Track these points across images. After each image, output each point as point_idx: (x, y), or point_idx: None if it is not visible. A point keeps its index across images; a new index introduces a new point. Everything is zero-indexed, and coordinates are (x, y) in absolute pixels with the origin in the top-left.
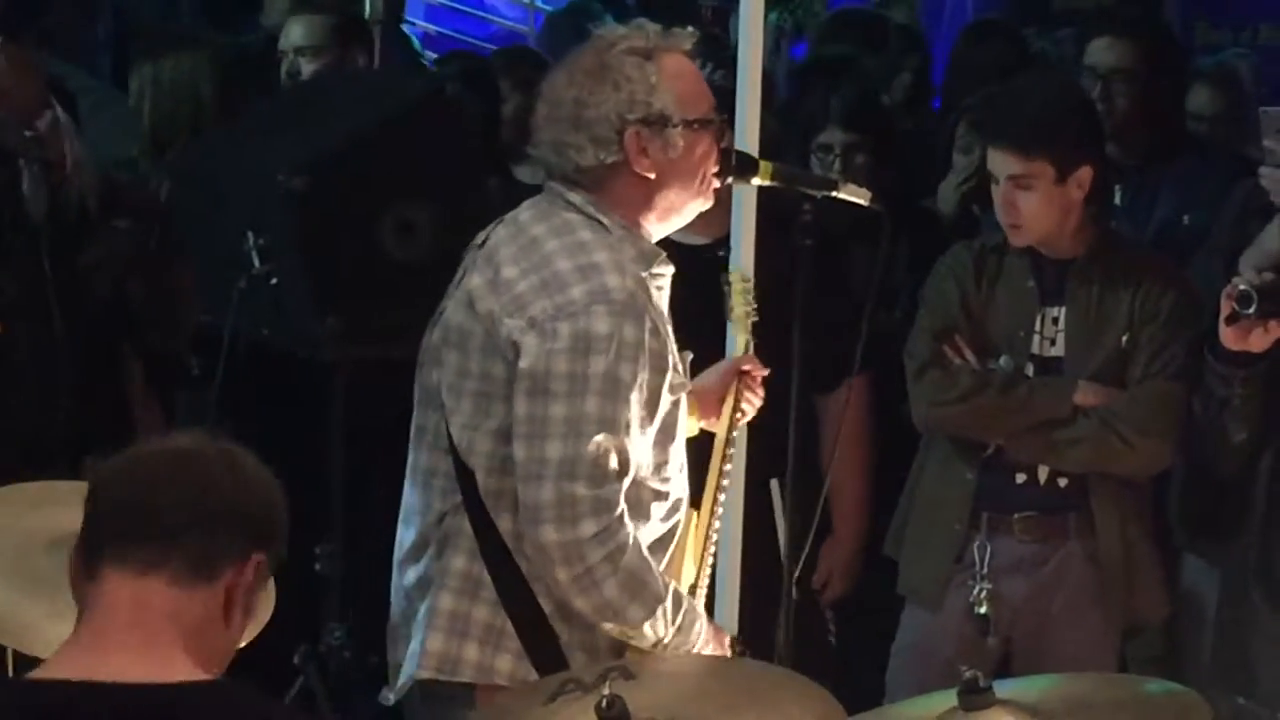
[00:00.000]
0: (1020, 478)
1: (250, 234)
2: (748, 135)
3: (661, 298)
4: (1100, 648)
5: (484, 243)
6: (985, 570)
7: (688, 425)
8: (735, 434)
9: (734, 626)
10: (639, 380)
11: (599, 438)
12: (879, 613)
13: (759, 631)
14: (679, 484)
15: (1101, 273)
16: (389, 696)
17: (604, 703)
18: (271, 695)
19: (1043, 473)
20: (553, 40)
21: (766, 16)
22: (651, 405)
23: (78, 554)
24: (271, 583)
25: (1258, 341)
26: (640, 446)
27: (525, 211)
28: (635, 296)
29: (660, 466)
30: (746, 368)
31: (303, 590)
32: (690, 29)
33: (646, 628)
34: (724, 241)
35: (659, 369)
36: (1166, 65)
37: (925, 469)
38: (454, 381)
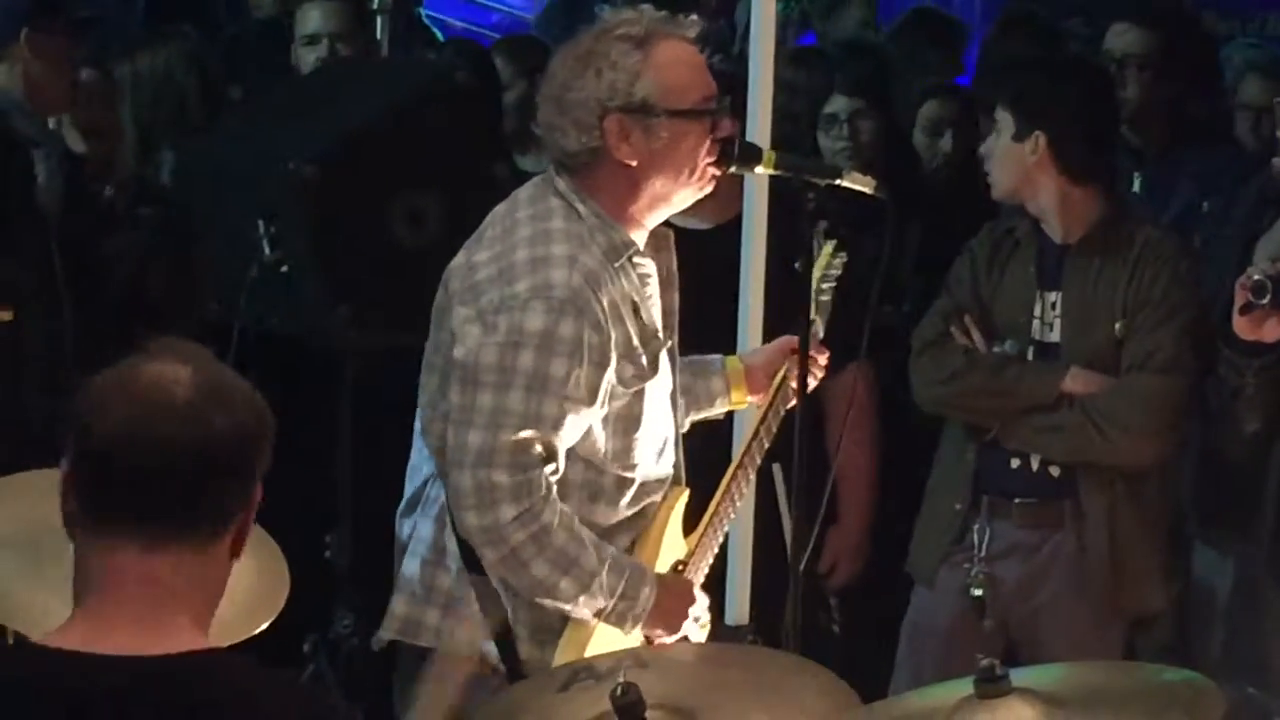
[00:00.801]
0: (1014, 463)
1: (261, 222)
2: (760, 125)
3: (644, 285)
4: (1096, 637)
5: None
6: (983, 553)
7: (734, 399)
8: (775, 414)
9: (745, 614)
10: (573, 376)
11: (521, 432)
12: (884, 599)
13: (763, 616)
14: (648, 469)
15: (1099, 257)
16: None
17: (618, 690)
18: (267, 666)
19: (1035, 459)
20: (547, 27)
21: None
22: (589, 399)
23: (76, 520)
24: (286, 572)
25: (1271, 331)
26: (580, 433)
27: (526, 190)
28: (578, 293)
29: (623, 453)
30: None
31: (312, 579)
32: (694, 17)
33: (583, 601)
34: (727, 227)
35: (599, 364)
36: (1186, 52)
37: (941, 449)
38: (428, 357)
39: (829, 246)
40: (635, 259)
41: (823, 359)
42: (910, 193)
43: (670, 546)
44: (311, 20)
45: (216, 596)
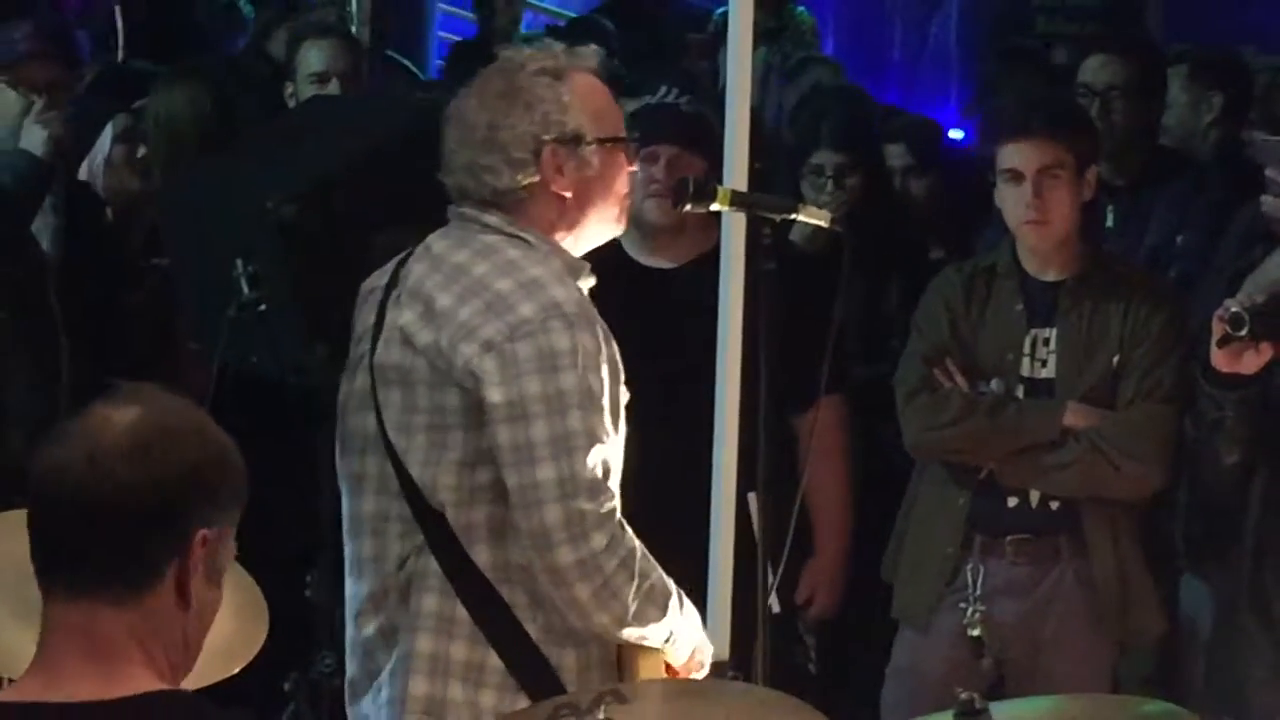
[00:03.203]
0: (1012, 500)
1: (240, 261)
2: (735, 170)
3: None
4: (1093, 669)
5: (392, 283)
6: (978, 592)
7: None
8: None
9: (725, 650)
10: (606, 388)
11: (588, 451)
12: (862, 637)
13: (741, 652)
14: (618, 496)
15: (1092, 293)
16: None
17: None
18: (218, 705)
19: (1034, 495)
20: None
21: (756, 49)
22: (616, 411)
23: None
24: (265, 611)
25: (1249, 363)
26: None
27: (437, 243)
28: (584, 306)
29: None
30: None
31: (293, 618)
32: (594, 47)
33: (665, 624)
34: (691, 265)
35: (616, 376)
36: (1157, 84)
37: (919, 493)
38: (401, 420)
39: None
40: (581, 283)
41: None
42: (895, 239)
43: None
44: (317, 59)
45: (176, 648)
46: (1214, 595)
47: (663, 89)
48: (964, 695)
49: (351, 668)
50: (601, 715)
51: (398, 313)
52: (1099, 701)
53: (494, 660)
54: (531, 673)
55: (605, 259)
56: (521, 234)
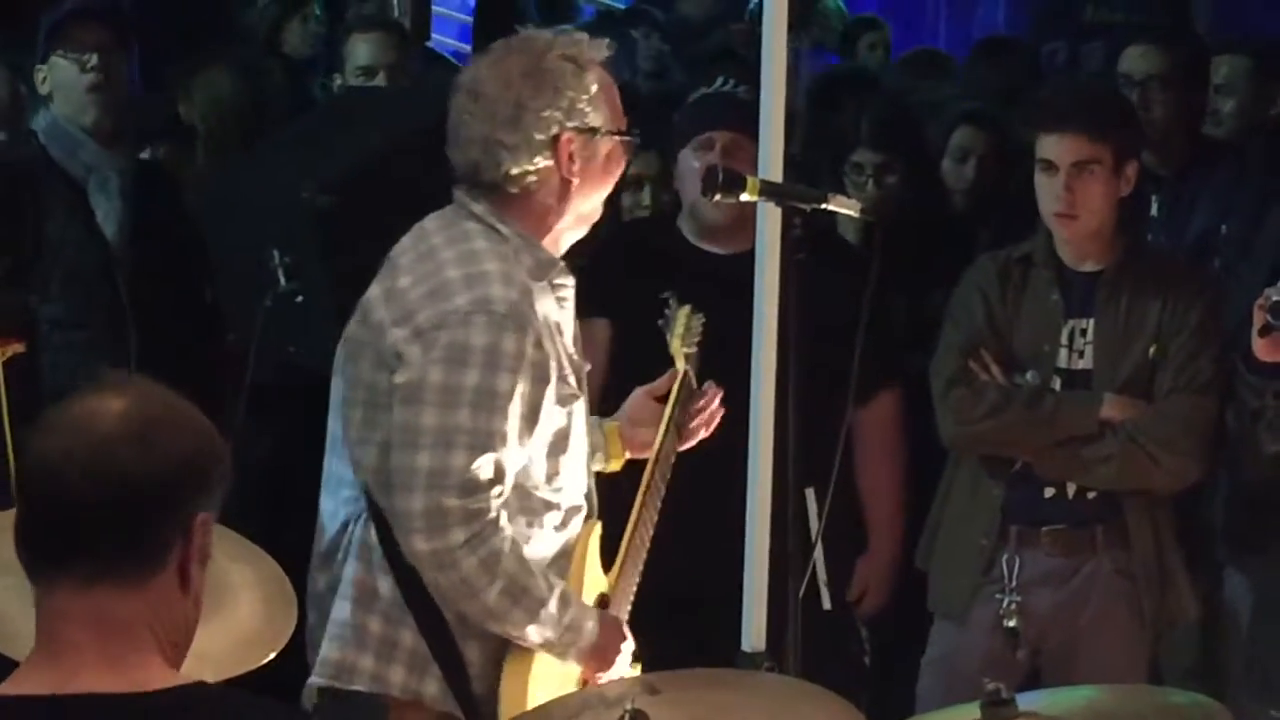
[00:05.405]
0: (1049, 492)
1: (276, 251)
2: (772, 159)
3: (560, 308)
4: (1130, 659)
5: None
6: (1014, 584)
7: (611, 458)
8: (667, 456)
9: (761, 641)
10: (517, 391)
11: (470, 450)
12: (916, 629)
13: (777, 642)
14: (572, 495)
15: (1130, 284)
16: (305, 704)
17: (626, 718)
18: (251, 694)
19: (1071, 486)
20: None
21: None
22: (532, 416)
23: (21, 561)
24: (294, 601)
25: None
26: (527, 456)
27: (431, 220)
28: (518, 307)
29: (552, 477)
30: (699, 403)
31: None
32: (608, 40)
33: (532, 630)
34: (747, 253)
35: (540, 379)
36: (1200, 73)
37: (954, 484)
38: (348, 394)
39: (684, 310)
40: (556, 280)
41: (712, 401)
42: (938, 237)
43: (591, 581)
44: (364, 52)
45: (178, 632)
46: (1254, 587)
47: (719, 80)
48: (990, 686)
49: (311, 617)
50: (629, 706)
51: (374, 284)
52: (1125, 691)
53: (408, 638)
54: (443, 657)
55: (665, 243)
56: (499, 226)
